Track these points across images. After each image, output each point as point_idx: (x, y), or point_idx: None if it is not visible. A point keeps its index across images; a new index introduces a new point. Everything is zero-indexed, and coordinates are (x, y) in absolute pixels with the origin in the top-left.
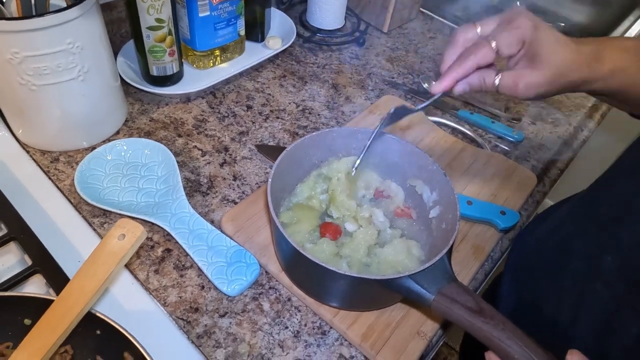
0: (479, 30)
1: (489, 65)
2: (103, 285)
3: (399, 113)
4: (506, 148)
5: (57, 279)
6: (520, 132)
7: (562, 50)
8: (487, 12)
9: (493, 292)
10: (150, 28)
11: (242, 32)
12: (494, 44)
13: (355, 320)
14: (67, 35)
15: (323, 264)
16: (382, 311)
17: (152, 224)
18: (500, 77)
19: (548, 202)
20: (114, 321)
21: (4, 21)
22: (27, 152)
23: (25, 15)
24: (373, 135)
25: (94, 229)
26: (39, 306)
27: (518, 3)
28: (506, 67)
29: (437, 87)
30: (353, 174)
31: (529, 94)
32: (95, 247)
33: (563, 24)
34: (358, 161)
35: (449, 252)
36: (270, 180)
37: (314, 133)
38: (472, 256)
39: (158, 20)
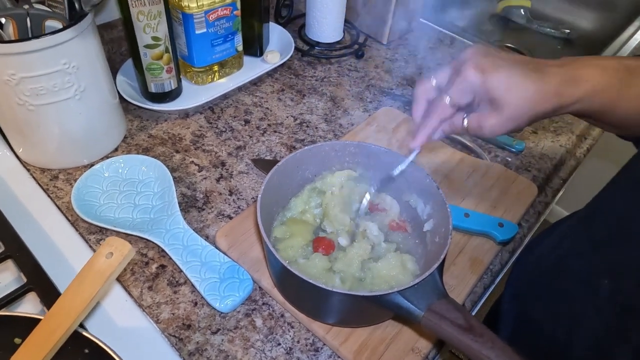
0: (434, 83)
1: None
2: (90, 303)
3: (384, 182)
4: (507, 158)
5: (51, 296)
6: (521, 142)
7: (521, 87)
8: (488, 22)
9: (497, 308)
10: (147, 46)
11: (240, 48)
12: (447, 100)
13: (349, 336)
14: (62, 56)
15: (309, 280)
16: (376, 327)
17: (147, 240)
18: (466, 120)
19: (563, 213)
20: (100, 341)
21: (1, 44)
22: (28, 170)
23: (22, 37)
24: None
25: (90, 246)
26: (29, 325)
27: (522, 11)
28: (473, 109)
29: (414, 144)
30: (373, 192)
31: (496, 134)
32: (84, 266)
33: (568, 31)
34: (372, 191)
35: (440, 268)
36: (260, 196)
37: (306, 147)
38: (470, 269)
39: (154, 38)
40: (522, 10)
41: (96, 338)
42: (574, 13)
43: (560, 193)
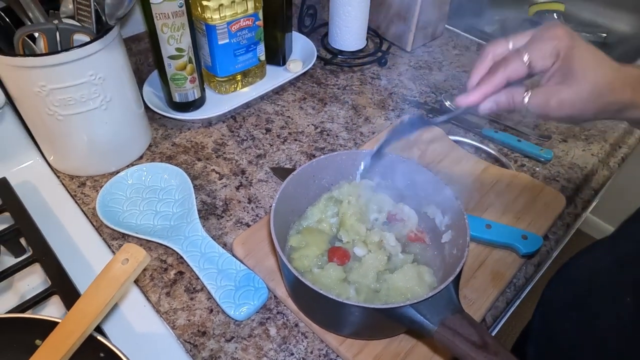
0: (510, 45)
1: (519, 83)
2: (105, 308)
3: (415, 124)
4: (534, 168)
5: (73, 300)
6: (549, 151)
7: (602, 66)
8: (519, 27)
9: (529, 328)
10: (171, 57)
11: (262, 57)
12: (525, 57)
13: (362, 349)
14: (89, 67)
15: (320, 291)
16: (391, 340)
17: (167, 246)
18: (530, 94)
19: (600, 224)
20: (114, 346)
21: (32, 57)
22: (58, 177)
23: (52, 50)
24: (380, 145)
25: (112, 251)
26: (49, 328)
27: (555, 15)
28: (538, 85)
29: (463, 100)
30: (357, 180)
31: (562, 113)
32: (100, 272)
33: (605, 35)
34: (362, 167)
35: (456, 281)
36: (274, 205)
37: (322, 156)
38: (491, 283)
39: (178, 49)
40: (555, 15)
41: (110, 343)
42: (610, 16)
43: (594, 204)
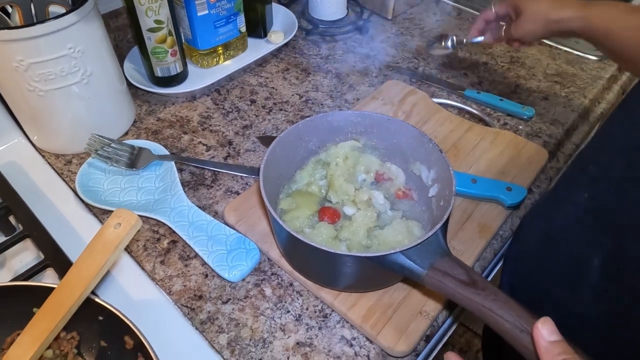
0: (493, 9)
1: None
2: (100, 271)
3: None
4: (517, 126)
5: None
6: (531, 108)
7: (537, 2)
8: None
9: None
10: (150, 30)
11: (243, 29)
12: (492, 8)
13: (356, 302)
14: (67, 40)
15: (312, 243)
16: (384, 292)
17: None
18: (505, 26)
19: None
20: (113, 307)
21: (7, 30)
22: (43, 156)
23: (27, 23)
24: None
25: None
26: (46, 295)
27: None
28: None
29: (469, 36)
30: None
31: (520, 33)
32: (94, 236)
33: None
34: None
35: (444, 227)
36: (262, 166)
37: (307, 118)
38: (478, 235)
39: (157, 22)
40: None
41: (110, 305)
42: None
43: (574, 158)
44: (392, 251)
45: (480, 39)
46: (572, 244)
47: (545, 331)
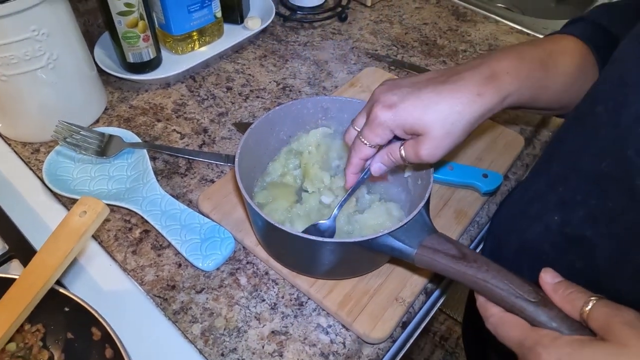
0: (356, 128)
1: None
2: (65, 260)
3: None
4: None
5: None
6: None
7: (435, 105)
8: None
9: None
10: (121, 13)
11: (219, 14)
12: (365, 142)
13: (332, 289)
14: (30, 22)
15: (305, 236)
16: (360, 280)
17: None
18: (403, 149)
19: None
20: (79, 297)
21: None
22: (9, 144)
23: None
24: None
25: None
26: (9, 286)
27: None
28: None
29: (347, 185)
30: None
31: (436, 157)
32: (58, 225)
33: None
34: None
35: (427, 205)
36: (238, 152)
37: (278, 107)
38: (455, 221)
39: (127, 5)
40: None
41: (75, 295)
42: None
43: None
44: (380, 234)
45: (377, 168)
46: (547, 263)
47: (549, 276)
